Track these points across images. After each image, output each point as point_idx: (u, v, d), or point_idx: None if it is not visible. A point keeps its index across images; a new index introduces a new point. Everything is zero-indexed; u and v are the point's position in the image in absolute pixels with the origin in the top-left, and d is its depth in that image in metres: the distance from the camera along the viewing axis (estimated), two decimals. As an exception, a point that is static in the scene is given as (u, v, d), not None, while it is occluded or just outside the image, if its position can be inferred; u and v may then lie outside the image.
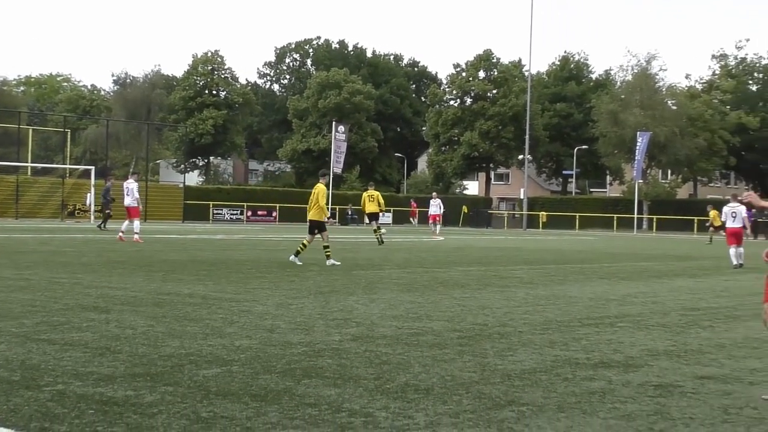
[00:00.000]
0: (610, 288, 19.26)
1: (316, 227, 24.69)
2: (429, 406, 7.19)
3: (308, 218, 25.08)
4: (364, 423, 6.59)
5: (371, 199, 40.39)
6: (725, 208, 28.94)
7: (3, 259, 22.81)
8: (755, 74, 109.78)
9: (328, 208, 25.75)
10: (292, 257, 24.03)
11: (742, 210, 28.45)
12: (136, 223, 34.15)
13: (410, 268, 23.65)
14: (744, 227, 28.36)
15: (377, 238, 37.79)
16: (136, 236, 33.69)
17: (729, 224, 28.63)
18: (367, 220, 42.99)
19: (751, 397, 7.97)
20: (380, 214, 40.55)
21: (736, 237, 28.35)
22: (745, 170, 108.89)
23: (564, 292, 17.75)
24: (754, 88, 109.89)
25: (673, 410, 7.33)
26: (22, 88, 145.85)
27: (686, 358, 9.97)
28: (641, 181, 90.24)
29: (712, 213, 54.69)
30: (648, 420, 6.96)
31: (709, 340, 11.46)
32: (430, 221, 58.11)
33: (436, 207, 57.32)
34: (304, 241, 24.60)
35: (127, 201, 34.38)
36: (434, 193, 62.50)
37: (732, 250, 28.32)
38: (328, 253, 24.15)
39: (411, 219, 58.77)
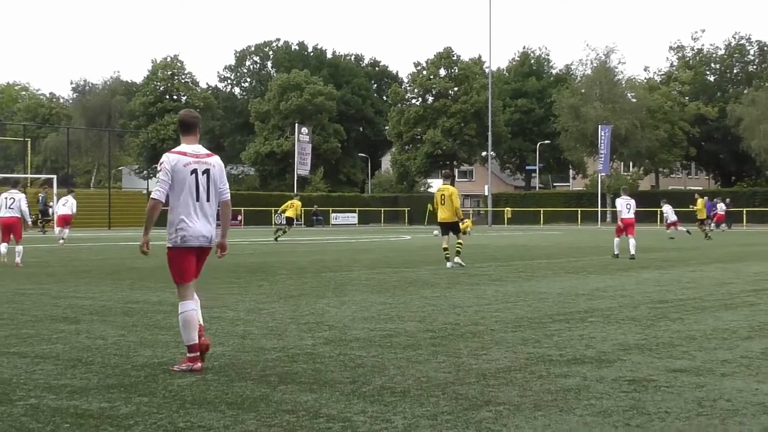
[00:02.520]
0: (579, 282, 19.34)
1: (451, 228, 24.76)
2: (406, 408, 7.18)
3: (440, 220, 25.04)
4: (343, 428, 6.58)
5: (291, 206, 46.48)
6: (620, 200, 29.99)
7: (-32, 272, 22.63)
8: (712, 65, 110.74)
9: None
10: (449, 264, 23.98)
11: (633, 203, 29.78)
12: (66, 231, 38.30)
13: (379, 269, 23.64)
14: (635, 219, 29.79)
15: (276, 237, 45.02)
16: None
17: (624, 215, 29.58)
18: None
19: (724, 389, 8.01)
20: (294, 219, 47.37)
21: (630, 227, 29.38)
22: (705, 160, 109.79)
23: (533, 288, 17.81)
24: (711, 78, 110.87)
25: (649, 405, 7.36)
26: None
27: (658, 352, 10.01)
28: (604, 174, 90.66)
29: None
30: (624, 415, 6.99)
31: (679, 333, 11.51)
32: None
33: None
34: (444, 245, 24.55)
35: (65, 210, 38.47)
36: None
37: (617, 240, 29.69)
38: (459, 250, 24.43)
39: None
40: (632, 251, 28.41)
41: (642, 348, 10.27)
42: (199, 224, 9.14)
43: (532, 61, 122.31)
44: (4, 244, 25.34)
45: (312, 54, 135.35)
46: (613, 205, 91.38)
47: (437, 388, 7.97)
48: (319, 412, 7.04)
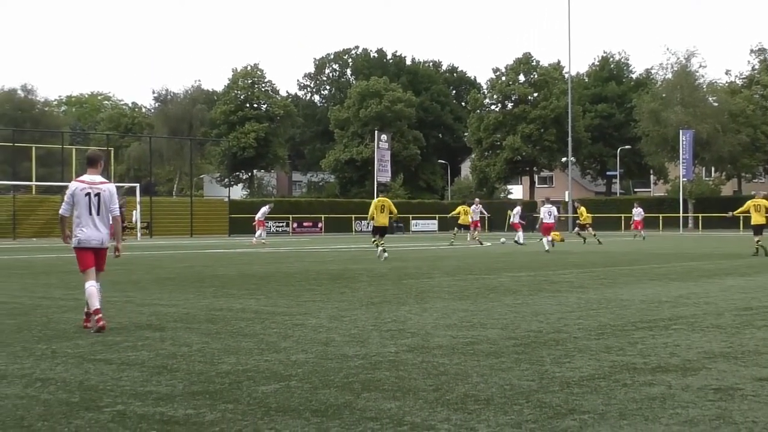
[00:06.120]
0: (662, 289, 19.11)
1: (382, 231, 30.92)
2: (490, 417, 7.15)
3: (378, 225, 30.80)
4: (427, 436, 6.57)
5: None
6: (543, 208, 38.93)
7: (53, 279, 23.00)
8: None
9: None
10: (381, 252, 29.98)
11: (554, 210, 38.71)
12: None
13: (460, 276, 23.60)
14: (555, 224, 39.36)
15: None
16: None
17: (546, 220, 38.42)
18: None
19: (813, 397, 7.87)
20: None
21: (548, 230, 38.38)
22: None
23: (615, 295, 17.64)
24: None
25: (735, 414, 7.25)
26: (63, 108, 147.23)
27: (744, 360, 9.86)
28: (686, 179, 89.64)
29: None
30: (711, 425, 6.89)
31: (765, 341, 11.33)
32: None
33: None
34: (375, 240, 30.50)
35: None
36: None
37: (545, 239, 38.03)
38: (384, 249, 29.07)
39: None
40: (546, 247, 37.37)
41: (727, 356, 10.13)
42: (91, 231, 12.74)
43: (612, 65, 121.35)
44: None
45: (391, 61, 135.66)
46: (695, 211, 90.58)
47: (521, 396, 7.93)
48: (403, 420, 7.04)
